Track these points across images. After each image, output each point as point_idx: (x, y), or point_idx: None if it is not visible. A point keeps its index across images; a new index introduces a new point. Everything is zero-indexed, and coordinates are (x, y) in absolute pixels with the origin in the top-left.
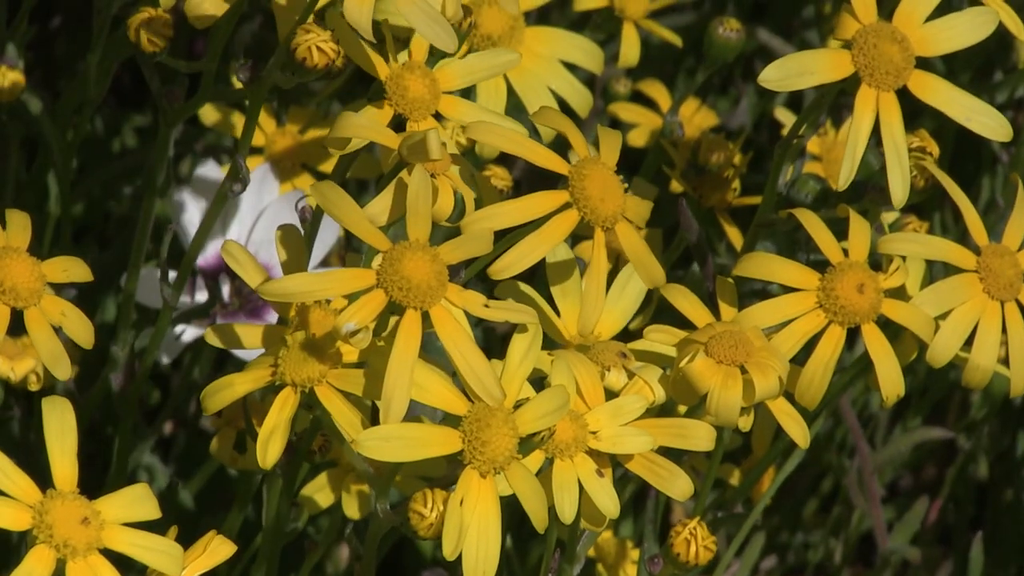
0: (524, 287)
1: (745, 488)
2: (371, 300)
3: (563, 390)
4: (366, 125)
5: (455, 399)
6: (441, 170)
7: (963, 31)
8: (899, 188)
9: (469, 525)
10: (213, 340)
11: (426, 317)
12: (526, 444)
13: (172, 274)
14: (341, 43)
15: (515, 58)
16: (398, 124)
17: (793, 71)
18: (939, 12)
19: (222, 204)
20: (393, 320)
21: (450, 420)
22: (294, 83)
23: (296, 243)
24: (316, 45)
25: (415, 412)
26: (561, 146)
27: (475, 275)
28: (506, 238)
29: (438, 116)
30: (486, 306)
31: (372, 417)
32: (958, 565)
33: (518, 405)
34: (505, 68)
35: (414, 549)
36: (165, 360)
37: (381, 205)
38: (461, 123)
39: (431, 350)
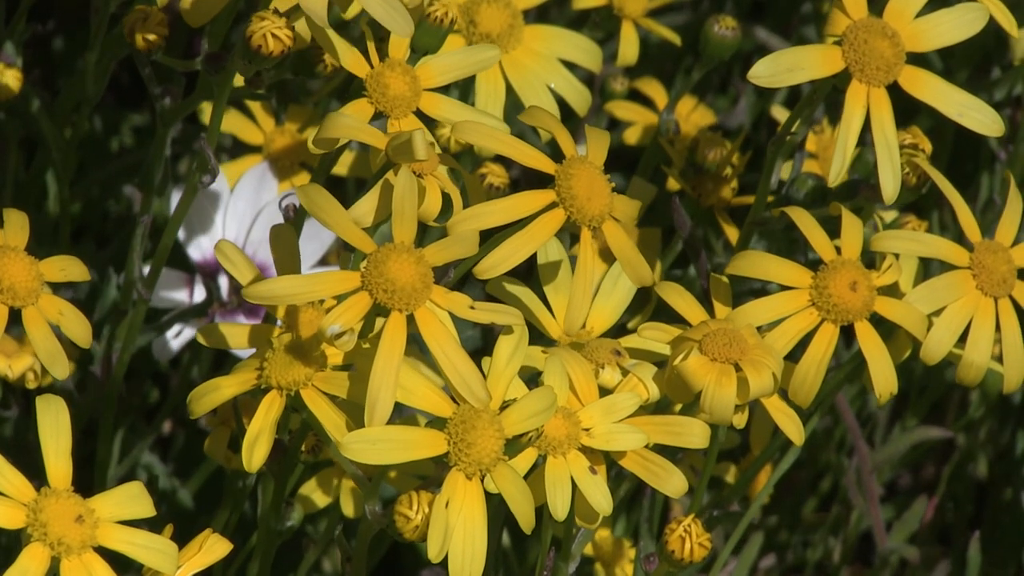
0: (515, 286)
1: (741, 486)
2: (356, 302)
3: (551, 391)
4: (354, 126)
5: (441, 401)
6: (428, 170)
7: (954, 26)
8: (890, 184)
9: (455, 527)
10: (202, 340)
11: (411, 319)
12: (514, 445)
13: (165, 273)
14: (320, 42)
15: (495, 54)
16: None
17: (783, 67)
18: (930, 8)
19: (192, 196)
20: (379, 322)
21: (437, 422)
22: (253, 71)
23: (289, 243)
24: (271, 32)
25: (410, 411)
26: (559, 146)
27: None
28: (493, 238)
29: (420, 114)
30: (472, 308)
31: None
32: (956, 564)
33: (506, 405)
34: (485, 65)
35: (413, 549)
36: (167, 351)
37: (366, 206)
38: (444, 121)
39: (426, 351)
